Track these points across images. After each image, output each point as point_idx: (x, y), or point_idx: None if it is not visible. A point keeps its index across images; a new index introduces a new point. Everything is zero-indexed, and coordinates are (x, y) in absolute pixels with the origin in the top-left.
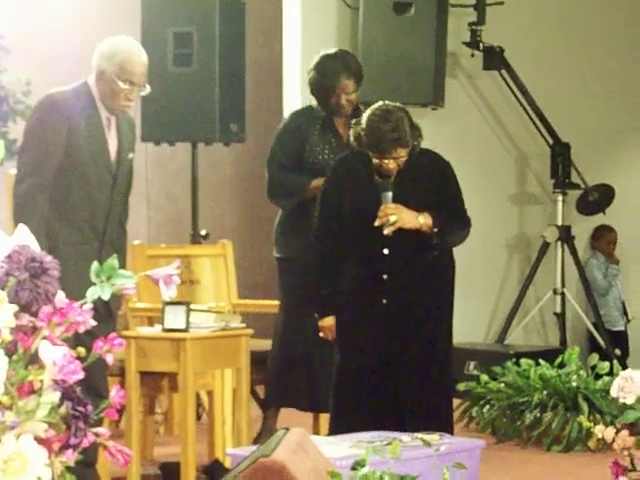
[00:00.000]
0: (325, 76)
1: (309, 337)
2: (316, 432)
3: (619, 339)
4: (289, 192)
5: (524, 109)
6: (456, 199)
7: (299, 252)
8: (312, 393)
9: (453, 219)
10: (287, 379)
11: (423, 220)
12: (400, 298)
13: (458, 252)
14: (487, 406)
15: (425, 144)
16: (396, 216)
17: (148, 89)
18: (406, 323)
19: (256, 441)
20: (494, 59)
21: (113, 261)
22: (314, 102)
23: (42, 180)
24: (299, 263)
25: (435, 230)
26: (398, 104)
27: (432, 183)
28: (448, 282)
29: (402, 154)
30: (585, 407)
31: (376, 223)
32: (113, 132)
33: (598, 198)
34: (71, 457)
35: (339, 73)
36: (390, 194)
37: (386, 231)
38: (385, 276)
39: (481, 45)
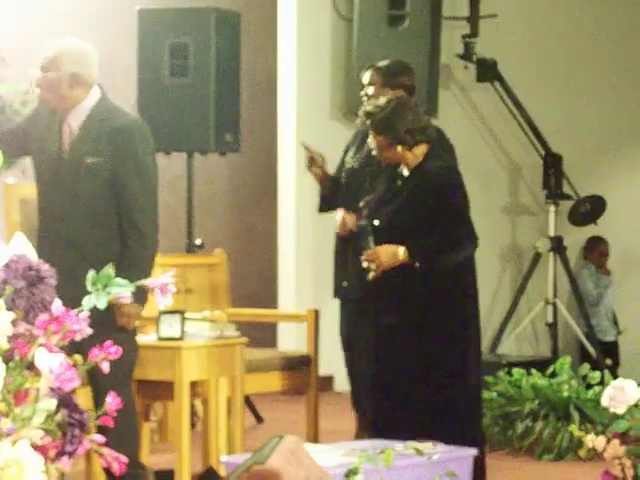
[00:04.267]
0: None
1: None
2: (314, 440)
3: (610, 349)
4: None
5: (517, 121)
6: (445, 219)
7: None
8: None
9: (440, 243)
10: None
11: (402, 256)
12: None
13: None
14: None
15: None
16: (375, 264)
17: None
18: (361, 309)
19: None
20: (487, 71)
21: (109, 269)
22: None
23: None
24: None
25: (417, 265)
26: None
27: (426, 199)
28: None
29: (372, 139)
30: (576, 416)
31: (364, 265)
32: (72, 135)
33: (590, 209)
34: (67, 464)
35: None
36: (371, 238)
37: (369, 277)
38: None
39: (474, 57)
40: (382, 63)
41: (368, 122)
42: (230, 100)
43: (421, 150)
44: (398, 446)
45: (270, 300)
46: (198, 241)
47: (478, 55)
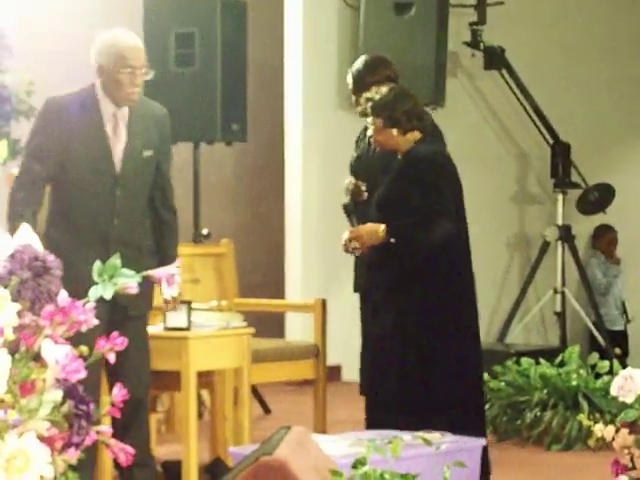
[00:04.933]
0: None
1: None
2: (322, 430)
3: (619, 338)
4: None
5: (524, 109)
6: (420, 195)
7: None
8: None
9: (414, 219)
10: None
11: (382, 234)
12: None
13: None
14: (487, 405)
15: None
16: (356, 242)
17: (151, 73)
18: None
19: None
20: (495, 59)
21: (116, 260)
22: None
23: (27, 179)
24: None
25: (392, 240)
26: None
27: (408, 178)
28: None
29: (372, 122)
30: (585, 406)
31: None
32: (121, 130)
33: (598, 197)
34: (73, 455)
35: None
36: (354, 217)
37: (355, 254)
38: None
39: (482, 45)
40: (353, 68)
41: (369, 105)
42: (236, 89)
43: (414, 137)
44: (406, 436)
45: (277, 290)
46: (205, 231)
47: (485, 43)
